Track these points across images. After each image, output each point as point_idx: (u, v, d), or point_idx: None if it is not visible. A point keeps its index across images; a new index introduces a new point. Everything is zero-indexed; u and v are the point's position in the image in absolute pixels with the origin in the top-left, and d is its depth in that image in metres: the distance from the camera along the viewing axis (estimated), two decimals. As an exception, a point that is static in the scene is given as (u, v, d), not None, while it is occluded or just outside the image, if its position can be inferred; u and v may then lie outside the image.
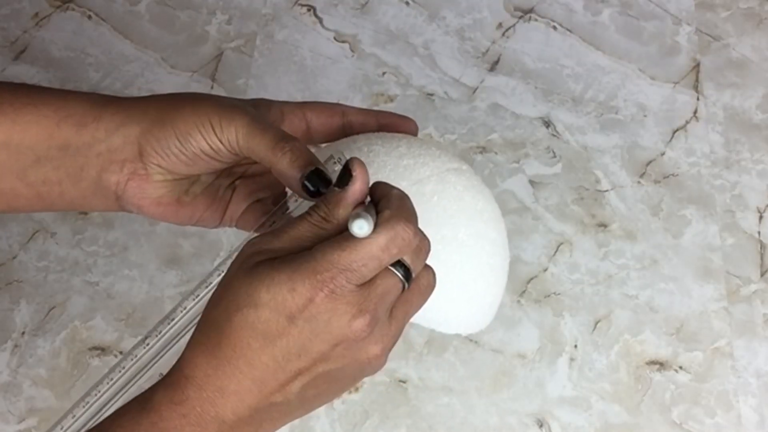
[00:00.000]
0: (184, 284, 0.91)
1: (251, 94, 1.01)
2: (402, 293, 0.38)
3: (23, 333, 0.88)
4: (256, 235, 0.41)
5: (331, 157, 0.41)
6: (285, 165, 0.39)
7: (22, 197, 0.42)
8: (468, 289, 0.45)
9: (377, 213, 0.37)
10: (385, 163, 0.44)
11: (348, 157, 0.40)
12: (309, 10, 1.08)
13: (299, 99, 1.02)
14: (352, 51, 1.06)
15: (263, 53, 1.05)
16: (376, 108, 1.01)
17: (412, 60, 1.05)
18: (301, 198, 0.40)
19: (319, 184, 0.39)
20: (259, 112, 0.42)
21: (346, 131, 0.47)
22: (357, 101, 1.02)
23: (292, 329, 0.35)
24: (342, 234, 0.36)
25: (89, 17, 1.06)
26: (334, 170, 0.40)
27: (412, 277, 0.38)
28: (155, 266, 0.92)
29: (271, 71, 1.03)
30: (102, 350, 0.88)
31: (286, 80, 1.03)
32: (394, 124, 0.47)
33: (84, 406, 0.42)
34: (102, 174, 0.41)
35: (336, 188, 0.37)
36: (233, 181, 0.46)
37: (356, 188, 0.37)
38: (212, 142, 0.40)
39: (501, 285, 0.48)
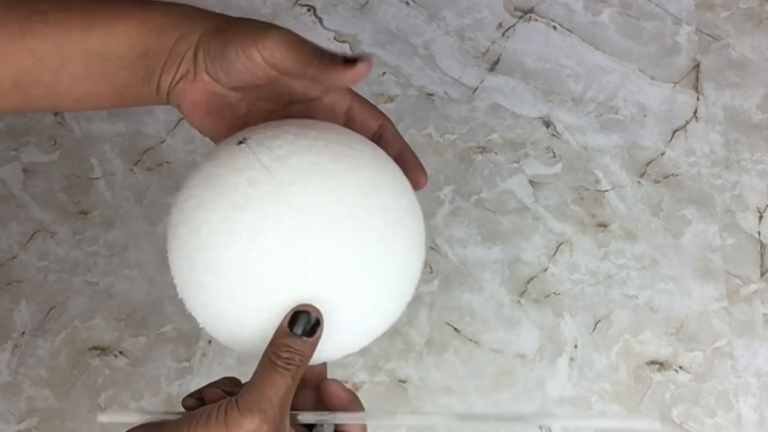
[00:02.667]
0: (184, 284, 0.91)
1: (251, 94, 1.01)
2: None
3: (23, 333, 0.88)
4: None
5: (243, 140, 0.41)
6: (332, 66, 0.41)
7: (107, 98, 0.46)
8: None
9: None
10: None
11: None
12: (309, 10, 1.08)
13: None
14: (352, 51, 1.06)
15: (263, 53, 1.04)
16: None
17: (412, 60, 1.05)
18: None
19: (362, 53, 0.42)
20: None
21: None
22: (357, 101, 1.02)
23: None
24: None
25: (89, 17, 1.06)
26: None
27: None
28: (155, 266, 0.92)
29: (271, 71, 1.03)
30: (102, 350, 0.88)
31: (286, 80, 1.03)
32: (405, 164, 0.48)
33: None
34: (162, 74, 0.45)
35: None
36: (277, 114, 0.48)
37: None
38: (248, 53, 0.42)
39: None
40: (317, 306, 0.38)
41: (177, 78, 0.45)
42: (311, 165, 0.38)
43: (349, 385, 0.87)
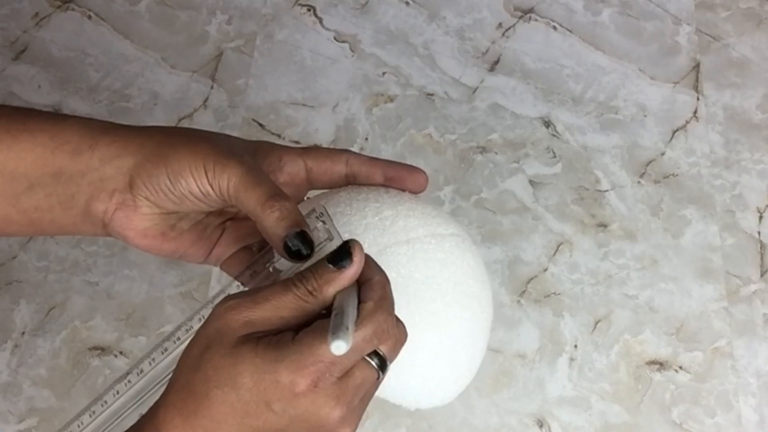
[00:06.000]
0: (183, 284, 0.91)
1: (251, 94, 1.01)
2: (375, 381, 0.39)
3: (23, 333, 0.88)
4: (233, 283, 0.41)
5: (313, 210, 0.41)
6: (271, 223, 0.39)
7: (14, 223, 0.42)
8: (431, 366, 0.44)
9: (359, 301, 0.37)
10: (350, 221, 0.43)
11: (326, 211, 0.40)
12: (309, 10, 1.08)
13: (299, 99, 1.02)
14: (352, 51, 1.06)
15: (263, 53, 1.05)
16: (376, 107, 1.02)
17: (412, 60, 1.05)
18: (281, 257, 0.40)
19: (301, 247, 0.39)
20: (255, 161, 0.42)
21: (349, 181, 0.46)
22: (357, 101, 1.02)
23: (270, 415, 0.36)
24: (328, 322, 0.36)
25: (89, 17, 1.06)
26: (316, 227, 0.40)
27: (387, 367, 0.38)
28: (155, 266, 0.92)
29: (271, 71, 1.03)
30: (102, 350, 0.88)
31: (286, 80, 1.03)
32: (400, 178, 0.46)
33: None
34: (91, 202, 0.41)
35: (329, 265, 0.37)
36: (223, 222, 0.45)
37: (351, 273, 0.37)
38: (202, 186, 0.40)
39: (470, 362, 0.47)
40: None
41: (113, 207, 0.41)
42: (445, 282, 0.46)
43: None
